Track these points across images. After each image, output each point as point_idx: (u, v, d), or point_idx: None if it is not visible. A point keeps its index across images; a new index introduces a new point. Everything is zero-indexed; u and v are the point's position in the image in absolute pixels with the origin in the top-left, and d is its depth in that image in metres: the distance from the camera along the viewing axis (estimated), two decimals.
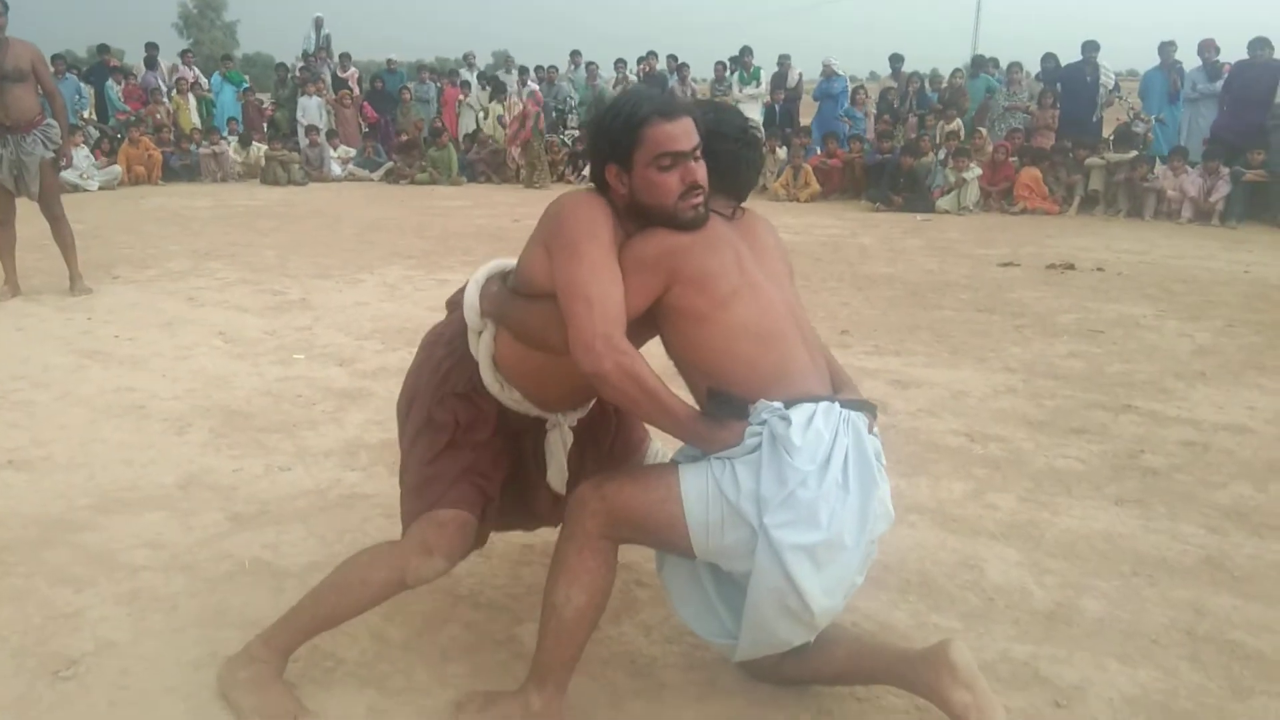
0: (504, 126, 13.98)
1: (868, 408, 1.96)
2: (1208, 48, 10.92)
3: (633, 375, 1.77)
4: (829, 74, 13.84)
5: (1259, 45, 10.28)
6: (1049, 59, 12.33)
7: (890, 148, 11.74)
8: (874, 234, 9.14)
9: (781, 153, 12.27)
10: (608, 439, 2.35)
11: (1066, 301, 6.12)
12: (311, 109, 14.65)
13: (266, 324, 5.51)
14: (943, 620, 2.45)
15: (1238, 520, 3.01)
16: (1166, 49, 11.42)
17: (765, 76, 14.11)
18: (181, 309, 5.89)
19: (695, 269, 1.86)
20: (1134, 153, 10.42)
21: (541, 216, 1.95)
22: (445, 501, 2.02)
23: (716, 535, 1.82)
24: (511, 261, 2.12)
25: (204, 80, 15.88)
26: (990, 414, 3.99)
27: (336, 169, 14.15)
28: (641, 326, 1.91)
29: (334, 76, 15.80)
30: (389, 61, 17.01)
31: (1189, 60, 11.28)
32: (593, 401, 2.27)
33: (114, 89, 14.76)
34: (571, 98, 14.92)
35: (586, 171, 2.01)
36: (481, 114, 14.96)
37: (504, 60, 17.13)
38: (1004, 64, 12.83)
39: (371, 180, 14.00)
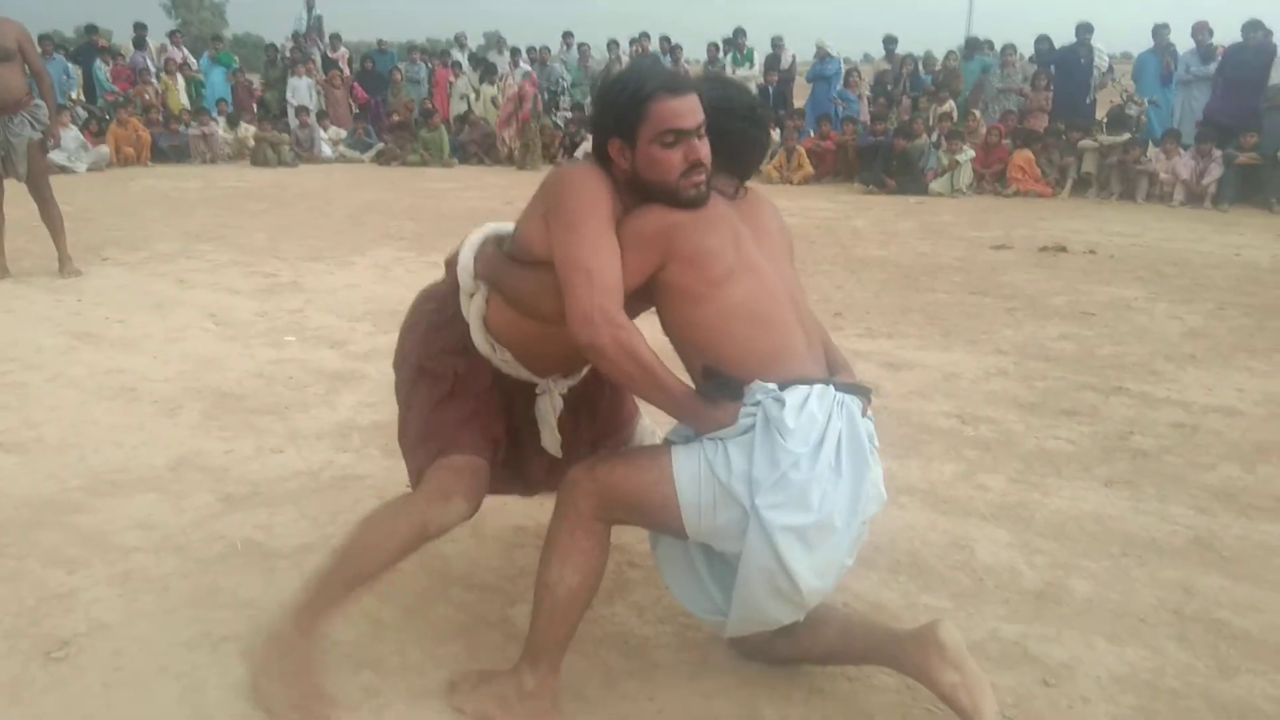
0: (498, 108, 13.90)
1: (862, 391, 1.96)
2: (1201, 30, 10.92)
3: (629, 350, 1.77)
4: (822, 55, 13.79)
5: (1252, 28, 10.28)
6: (1043, 41, 12.31)
7: (884, 130, 11.72)
8: (867, 216, 9.14)
9: (775, 135, 12.24)
10: (604, 407, 2.35)
11: (1058, 284, 6.13)
12: (301, 90, 14.55)
13: (257, 306, 5.49)
14: (933, 600, 2.47)
15: (1226, 501, 3.03)
16: (1160, 31, 11.41)
17: (758, 58, 14.06)
18: (172, 291, 5.86)
19: (692, 247, 1.85)
20: (1127, 135, 10.42)
21: (541, 186, 1.93)
22: (455, 447, 2.01)
23: (708, 516, 1.83)
24: (507, 225, 2.11)
25: (192, 61, 15.75)
26: (981, 396, 4.00)
27: (327, 150, 14.07)
28: (636, 299, 1.90)
29: (324, 57, 15.68)
30: (379, 42, 16.90)
31: (1183, 43, 11.29)
32: (585, 370, 2.27)
33: (102, 69, 14.64)
34: (564, 79, 14.85)
35: (578, 153, 2.00)
36: (473, 95, 14.87)
37: (496, 41, 17.00)
38: (998, 46, 12.79)
39: (362, 161, 13.93)
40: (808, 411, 1.79)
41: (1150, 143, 10.62)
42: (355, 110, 15.03)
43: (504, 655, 2.15)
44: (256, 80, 16.44)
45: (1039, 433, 3.60)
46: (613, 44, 15.20)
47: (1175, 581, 2.55)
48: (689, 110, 1.84)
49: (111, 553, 2.66)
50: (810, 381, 1.84)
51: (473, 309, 2.08)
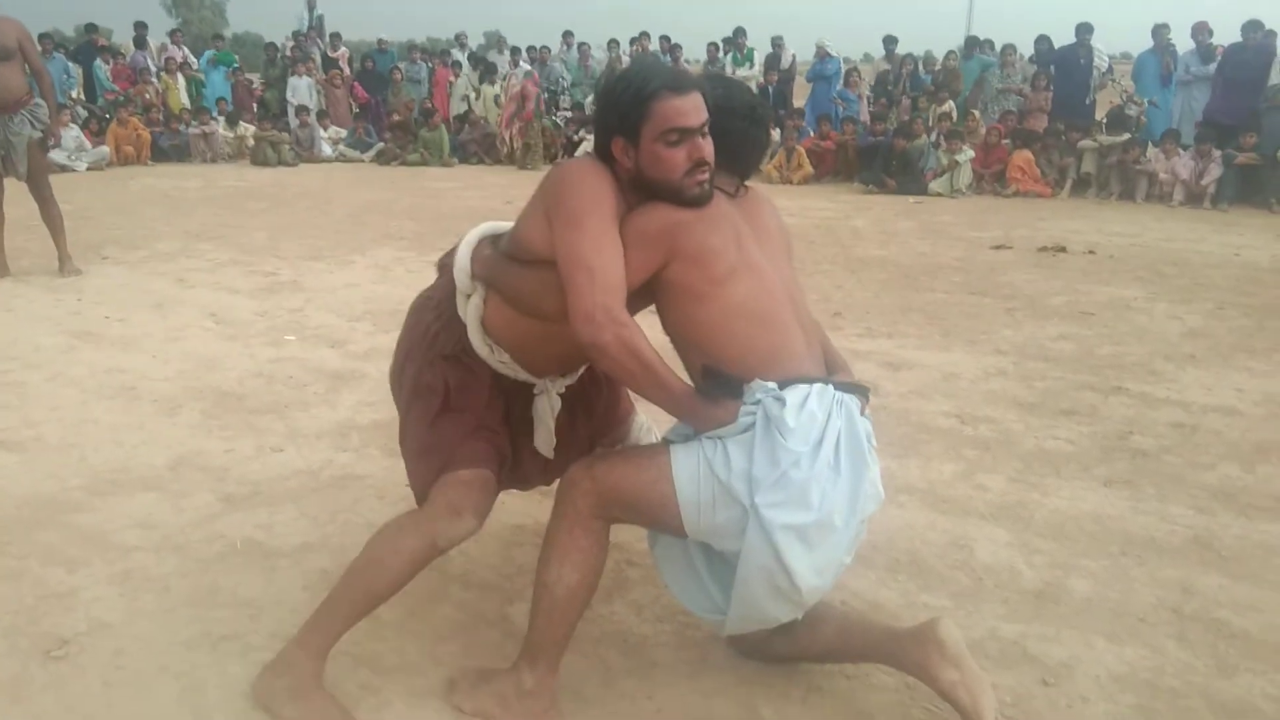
0: (500, 107, 13.89)
1: (861, 390, 1.96)
2: (1201, 30, 10.92)
3: (631, 348, 1.76)
4: (822, 55, 13.79)
5: (1252, 28, 10.28)
6: (1042, 41, 12.30)
7: (883, 130, 11.71)
8: (867, 216, 9.14)
9: (775, 134, 12.24)
10: (600, 404, 2.35)
11: (1058, 284, 6.14)
12: (301, 89, 14.54)
13: (258, 305, 5.49)
14: (932, 599, 2.47)
15: (1225, 501, 3.03)
16: (1160, 31, 11.40)
17: (759, 58, 14.06)
18: (172, 290, 5.87)
19: (695, 246, 1.85)
20: (1126, 135, 10.42)
21: (543, 183, 1.92)
22: (461, 461, 1.99)
23: (708, 514, 1.83)
24: (503, 225, 2.10)
25: (193, 60, 15.75)
26: (981, 396, 4.01)
27: (327, 150, 14.07)
28: (636, 297, 1.89)
29: (324, 56, 15.68)
30: (380, 41, 16.89)
31: (1182, 43, 11.28)
32: (582, 369, 2.27)
33: (102, 68, 14.63)
34: (564, 79, 14.84)
35: (578, 153, 1.99)
36: (473, 95, 14.87)
37: (496, 40, 17.01)
38: (998, 45, 12.78)
39: (362, 161, 13.92)
40: (808, 410, 1.79)
41: (1150, 143, 10.62)
42: (355, 110, 15.02)
43: (503, 653, 2.16)
44: (256, 79, 16.44)
45: (1038, 432, 3.60)
46: (613, 43, 15.20)
47: (1174, 581, 2.55)
48: (693, 109, 1.84)
49: (112, 552, 2.66)
50: (810, 380, 1.84)
51: (470, 310, 2.06)
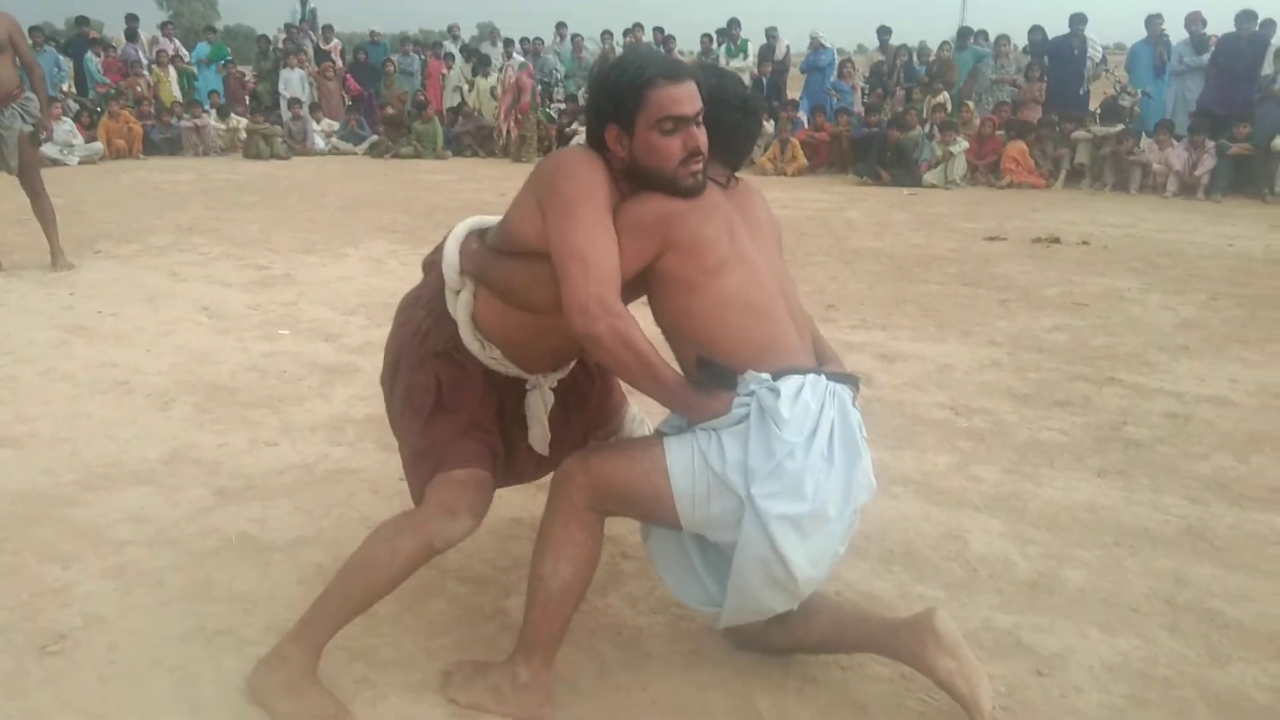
0: (497, 100, 13.85)
1: (851, 380, 1.96)
2: (1195, 20, 10.92)
3: (626, 340, 1.75)
4: (816, 47, 13.78)
5: (1246, 19, 10.29)
6: (1036, 31, 12.29)
7: (878, 121, 11.71)
8: (861, 208, 9.14)
9: (769, 126, 12.23)
10: (594, 397, 2.34)
11: (1052, 275, 6.14)
12: (294, 82, 14.50)
13: (250, 299, 5.48)
14: (927, 590, 2.47)
15: (1219, 491, 3.04)
16: (1153, 22, 11.41)
17: (752, 49, 14.03)
18: (164, 284, 5.85)
19: (689, 236, 1.84)
20: (1120, 126, 10.44)
21: (534, 172, 1.90)
22: (455, 461, 1.98)
23: (702, 507, 1.83)
24: (489, 218, 2.08)
25: (184, 53, 15.68)
26: (975, 387, 4.01)
27: (320, 142, 14.03)
28: (628, 288, 1.87)
29: (316, 49, 15.63)
30: (372, 33, 16.83)
31: (1176, 33, 11.29)
32: (573, 362, 2.26)
33: (93, 61, 14.58)
34: (557, 70, 14.81)
35: (571, 145, 1.96)
36: (466, 87, 14.82)
37: (489, 32, 16.96)
38: (992, 36, 12.78)
39: (355, 154, 13.90)
40: (802, 401, 1.79)
41: (1143, 133, 10.64)
42: (348, 102, 14.97)
43: (498, 647, 2.16)
44: (249, 72, 16.37)
45: (1032, 423, 3.60)
46: (606, 35, 15.17)
47: (1168, 571, 2.56)
48: (688, 97, 1.82)
49: (105, 546, 2.65)
50: (803, 371, 1.84)
51: (460, 306, 2.03)
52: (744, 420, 1.80)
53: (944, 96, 12.05)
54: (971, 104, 11.86)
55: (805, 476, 1.76)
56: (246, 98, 15.28)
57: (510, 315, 1.97)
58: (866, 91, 13.34)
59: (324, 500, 2.96)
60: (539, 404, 2.17)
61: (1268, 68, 10.04)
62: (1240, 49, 10.28)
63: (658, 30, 14.95)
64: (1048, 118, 11.01)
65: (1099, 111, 10.98)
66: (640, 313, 1.84)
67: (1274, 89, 9.85)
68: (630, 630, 2.30)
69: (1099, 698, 2.06)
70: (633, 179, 1.88)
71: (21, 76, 5.78)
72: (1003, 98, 11.86)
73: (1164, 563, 2.61)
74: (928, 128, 11.26)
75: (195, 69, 15.37)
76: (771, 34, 14.31)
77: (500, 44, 15.70)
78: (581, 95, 13.68)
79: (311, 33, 15.99)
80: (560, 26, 15.82)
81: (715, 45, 14.15)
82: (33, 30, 13.05)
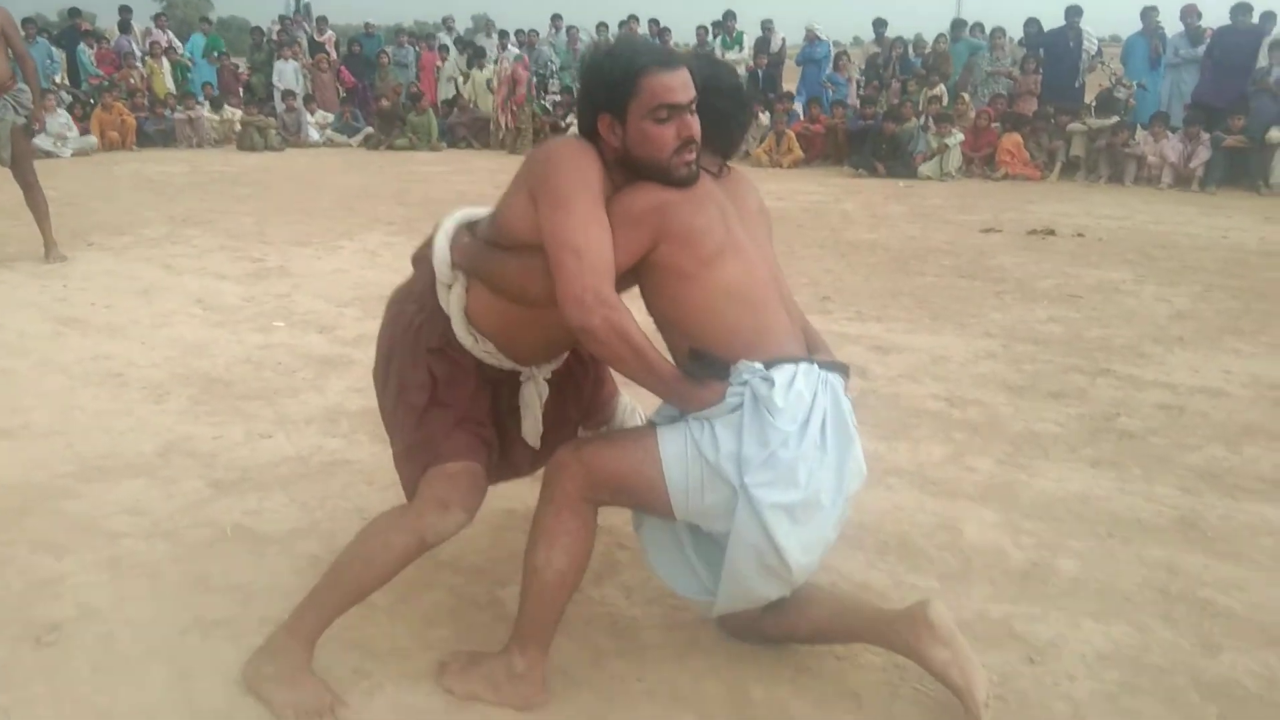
0: (493, 91, 13.81)
1: (842, 369, 1.97)
2: (1190, 13, 10.92)
3: (620, 331, 1.74)
4: (812, 39, 13.77)
5: (1241, 11, 10.29)
6: (1032, 24, 12.29)
7: (873, 113, 11.70)
8: (856, 200, 9.14)
9: (764, 118, 12.22)
10: (587, 387, 2.33)
11: (1047, 267, 6.15)
12: (288, 73, 14.45)
13: (245, 291, 5.47)
14: (921, 580, 2.48)
15: (1211, 481, 3.05)
16: (1149, 14, 11.41)
17: (748, 41, 14.01)
18: (158, 276, 5.83)
19: (683, 226, 1.83)
20: (1115, 118, 10.43)
21: (525, 162, 1.88)
22: (448, 454, 1.97)
23: (696, 497, 1.84)
24: (479, 210, 2.06)
25: (178, 44, 15.61)
26: (970, 379, 4.02)
27: (314, 134, 13.99)
28: (621, 278, 1.87)
29: (310, 40, 15.57)
30: (366, 25, 16.79)
31: (1171, 25, 11.28)
32: (566, 354, 2.25)
33: (86, 53, 14.51)
34: (553, 62, 14.76)
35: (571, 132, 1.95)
36: (461, 79, 14.78)
37: (484, 24, 16.92)
38: (987, 28, 12.77)
39: (350, 146, 13.85)
40: (795, 390, 1.80)
41: (1138, 126, 10.63)
42: (342, 94, 14.92)
43: (493, 637, 2.16)
44: (242, 64, 16.31)
45: (1026, 415, 3.61)
46: (601, 27, 15.14)
47: (1160, 561, 2.57)
48: (681, 85, 1.80)
49: (100, 538, 2.65)
50: (795, 360, 1.85)
51: (452, 300, 2.01)
52: (737, 409, 1.80)
53: (939, 89, 12.04)
54: (967, 96, 11.85)
55: (799, 465, 1.76)
56: (240, 89, 15.24)
57: (503, 308, 1.96)
58: (862, 84, 13.33)
59: (319, 492, 2.96)
60: (533, 395, 2.17)
61: (1262, 60, 10.03)
62: (1235, 42, 10.27)
63: (653, 22, 14.90)
64: (1043, 110, 11.00)
65: (1094, 104, 10.97)
66: (632, 303, 1.84)
67: (1268, 82, 9.85)
68: (625, 620, 2.31)
69: (1092, 686, 2.07)
70: (626, 168, 1.87)
71: (14, 68, 5.75)
72: (998, 90, 11.86)
73: (1156, 552, 2.62)
74: (923, 120, 11.25)
75: (190, 60, 15.30)
76: (767, 26, 14.29)
77: (495, 36, 15.66)
78: (576, 87, 13.64)
79: (306, 24, 15.94)
80: (555, 18, 15.78)
81: (710, 37, 14.13)
82: (25, 22, 12.99)
